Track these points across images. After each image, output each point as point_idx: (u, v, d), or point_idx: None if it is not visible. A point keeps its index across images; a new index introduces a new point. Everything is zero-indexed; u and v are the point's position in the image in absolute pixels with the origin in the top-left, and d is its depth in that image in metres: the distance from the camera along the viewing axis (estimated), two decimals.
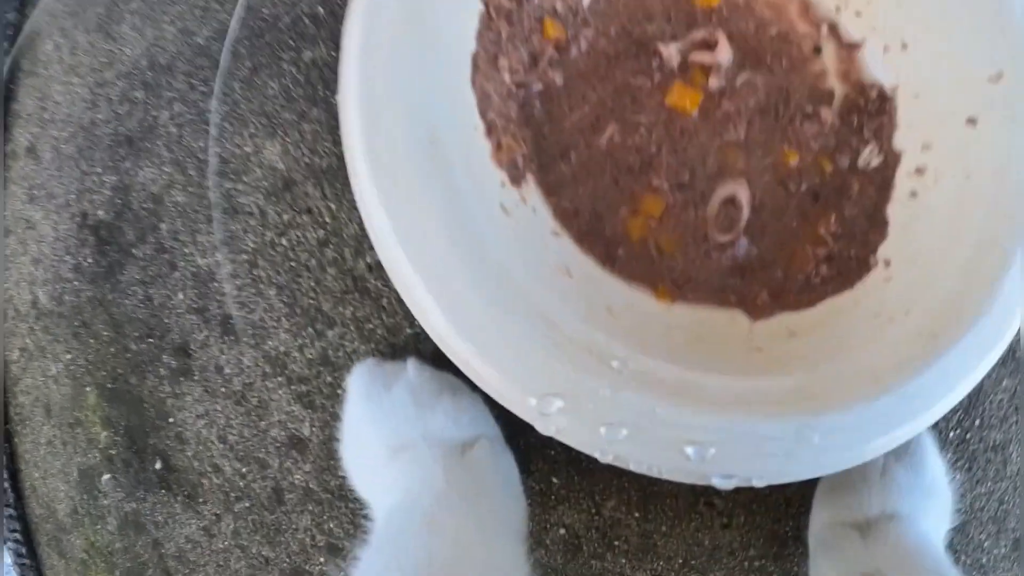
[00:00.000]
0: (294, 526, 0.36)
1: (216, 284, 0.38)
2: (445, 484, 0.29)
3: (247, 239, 0.38)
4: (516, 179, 0.36)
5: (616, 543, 0.37)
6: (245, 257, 0.38)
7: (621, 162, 0.37)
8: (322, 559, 0.36)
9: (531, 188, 0.36)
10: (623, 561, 0.37)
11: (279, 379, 0.36)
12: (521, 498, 0.32)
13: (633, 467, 0.30)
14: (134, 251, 0.39)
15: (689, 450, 0.29)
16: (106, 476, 0.39)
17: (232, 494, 0.37)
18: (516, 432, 0.34)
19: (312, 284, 0.37)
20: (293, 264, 0.37)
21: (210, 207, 0.39)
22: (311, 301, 0.37)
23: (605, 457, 0.30)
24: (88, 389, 0.39)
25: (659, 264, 0.36)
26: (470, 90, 0.34)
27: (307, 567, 0.36)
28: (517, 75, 0.36)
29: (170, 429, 0.38)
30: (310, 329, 0.37)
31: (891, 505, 0.31)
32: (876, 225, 0.35)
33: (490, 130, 0.34)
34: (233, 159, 0.40)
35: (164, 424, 0.38)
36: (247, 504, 0.37)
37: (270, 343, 0.37)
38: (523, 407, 0.29)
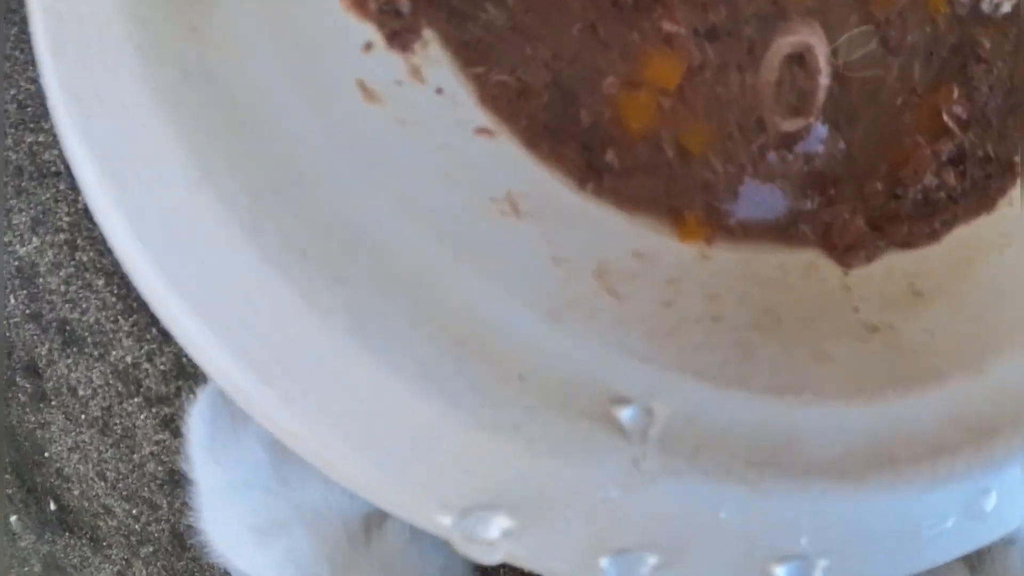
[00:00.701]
0: (208, 574, 0.28)
1: (41, 280, 0.28)
2: None
3: (60, 211, 0.27)
4: (400, 37, 0.21)
5: None
6: (63, 237, 0.27)
7: None
8: None
9: (433, 52, 0.21)
10: None
11: (137, 400, 0.27)
12: None
13: None
14: None
15: (780, 572, 0.16)
16: (13, 517, 0.32)
17: (132, 538, 0.29)
18: None
19: None
20: None
21: (19, 175, 0.28)
22: None
23: None
24: None
25: (681, 175, 0.21)
26: None
27: None
28: None
29: (49, 465, 0.30)
30: (154, 330, 0.26)
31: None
32: (1014, 108, 0.21)
33: None
34: (30, 100, 0.28)
35: (43, 459, 0.30)
36: (151, 549, 0.29)
37: (115, 353, 0.27)
38: (432, 525, 0.16)
